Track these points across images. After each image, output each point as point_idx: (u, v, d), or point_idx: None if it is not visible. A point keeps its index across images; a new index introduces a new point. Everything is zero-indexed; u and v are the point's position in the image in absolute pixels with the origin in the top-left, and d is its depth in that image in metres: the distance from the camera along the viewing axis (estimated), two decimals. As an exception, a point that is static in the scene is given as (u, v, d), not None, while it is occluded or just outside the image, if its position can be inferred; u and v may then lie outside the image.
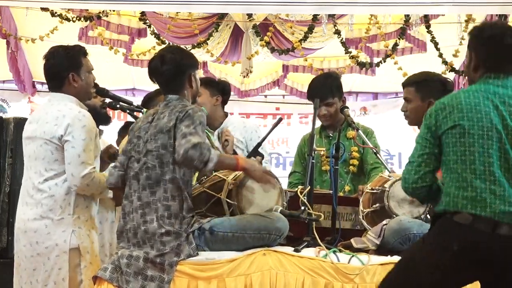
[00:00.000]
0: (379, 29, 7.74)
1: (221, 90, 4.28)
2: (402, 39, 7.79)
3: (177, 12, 7.69)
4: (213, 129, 4.18)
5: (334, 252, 3.15)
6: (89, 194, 3.35)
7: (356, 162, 4.18)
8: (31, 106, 9.04)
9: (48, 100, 3.47)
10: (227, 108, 4.43)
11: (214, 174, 3.31)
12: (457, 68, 7.64)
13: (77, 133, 3.24)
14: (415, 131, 5.19)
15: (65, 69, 3.38)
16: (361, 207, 3.52)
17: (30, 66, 8.63)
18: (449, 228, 2.52)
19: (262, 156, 3.75)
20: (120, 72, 8.70)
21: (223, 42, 8.07)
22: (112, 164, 3.32)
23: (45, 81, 3.50)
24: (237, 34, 8.01)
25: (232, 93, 8.44)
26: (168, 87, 3.19)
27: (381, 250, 3.28)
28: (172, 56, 3.16)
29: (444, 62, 7.58)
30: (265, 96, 9.67)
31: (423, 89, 3.58)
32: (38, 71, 8.02)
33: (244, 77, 8.11)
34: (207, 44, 7.88)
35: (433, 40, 7.53)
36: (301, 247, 3.15)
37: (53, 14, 7.53)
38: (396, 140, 9.00)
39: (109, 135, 4.45)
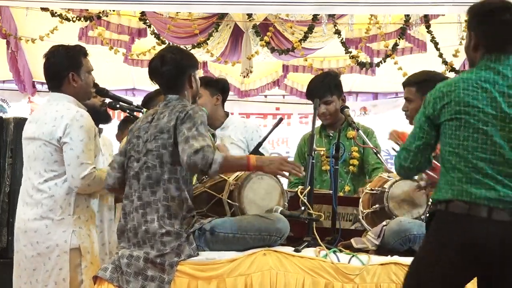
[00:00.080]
0: (379, 29, 7.74)
1: (220, 88, 4.28)
2: (402, 39, 7.79)
3: (177, 12, 7.69)
4: (214, 128, 4.18)
5: (334, 252, 3.15)
6: (91, 192, 3.35)
7: (356, 162, 4.18)
8: (31, 106, 9.04)
9: (47, 100, 3.47)
10: (227, 108, 4.43)
11: None
12: (457, 68, 7.63)
13: (75, 134, 3.24)
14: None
15: (65, 68, 3.38)
16: (360, 208, 3.51)
17: (30, 66, 8.63)
18: (446, 221, 2.52)
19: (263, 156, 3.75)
20: (120, 72, 8.70)
21: (223, 42, 8.07)
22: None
23: (45, 81, 3.50)
24: (237, 34, 8.01)
25: (232, 93, 8.50)
26: (168, 87, 3.19)
27: (381, 250, 3.28)
28: (172, 56, 3.16)
29: (444, 62, 7.58)
30: (265, 96, 9.67)
31: (424, 89, 3.57)
32: (38, 71, 8.02)
33: (244, 77, 8.11)
34: (207, 44, 7.88)
35: (433, 40, 7.53)
36: (301, 247, 3.15)
37: (53, 14, 7.53)
38: (396, 140, 8.99)
39: (109, 134, 4.44)
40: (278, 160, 3.03)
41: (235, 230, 3.05)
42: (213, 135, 3.46)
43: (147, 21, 7.79)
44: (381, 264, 3.12)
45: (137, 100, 4.22)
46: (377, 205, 3.45)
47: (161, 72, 3.16)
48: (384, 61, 7.94)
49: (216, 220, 3.07)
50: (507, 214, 2.44)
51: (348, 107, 4.04)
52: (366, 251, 3.28)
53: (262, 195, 3.21)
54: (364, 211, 3.50)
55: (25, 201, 3.34)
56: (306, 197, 3.25)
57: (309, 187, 3.31)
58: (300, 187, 3.43)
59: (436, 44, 7.53)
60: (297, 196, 3.28)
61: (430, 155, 2.71)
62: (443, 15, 7.28)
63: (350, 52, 7.93)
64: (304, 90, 4.84)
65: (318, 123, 4.15)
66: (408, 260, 3.09)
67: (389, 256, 3.19)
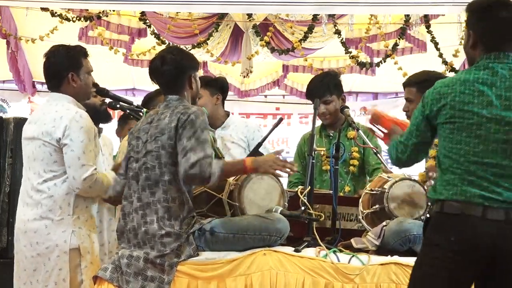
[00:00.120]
0: (379, 29, 7.74)
1: (220, 88, 4.28)
2: (402, 39, 7.79)
3: (177, 12, 7.69)
4: (215, 128, 4.18)
5: (334, 252, 3.15)
6: (93, 196, 3.35)
7: (356, 162, 4.18)
8: (31, 106, 9.04)
9: (47, 100, 3.46)
10: (227, 108, 4.43)
11: None
12: (457, 68, 7.63)
13: (75, 135, 3.23)
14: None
15: (65, 68, 3.37)
16: (360, 208, 3.51)
17: (30, 66, 8.63)
18: (441, 222, 2.53)
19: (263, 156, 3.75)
20: (120, 72, 8.70)
21: (223, 42, 8.07)
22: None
23: (45, 81, 3.50)
24: (237, 34, 8.01)
25: (232, 93, 8.51)
26: (168, 88, 3.20)
27: (381, 250, 3.28)
28: (172, 57, 3.17)
29: (444, 62, 7.58)
30: (265, 96, 9.67)
31: (425, 89, 3.56)
32: (38, 71, 8.01)
33: (244, 77, 8.11)
34: (207, 44, 7.88)
35: (433, 40, 7.53)
36: (301, 247, 3.15)
37: (53, 14, 7.53)
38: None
39: (109, 134, 4.44)
40: (270, 160, 3.07)
41: (235, 230, 3.05)
42: (214, 140, 3.47)
43: (147, 21, 7.79)
44: (381, 264, 3.12)
45: (137, 100, 4.22)
46: (377, 206, 3.45)
47: (162, 72, 3.16)
48: (384, 61, 7.94)
49: (215, 220, 3.07)
50: (503, 213, 2.45)
51: (348, 107, 4.05)
52: (366, 251, 3.28)
53: (262, 195, 3.21)
54: (364, 211, 3.50)
55: (25, 201, 3.34)
56: (306, 197, 3.25)
57: (309, 187, 3.31)
58: (300, 187, 3.44)
59: (436, 44, 7.53)
60: (297, 196, 3.28)
61: (427, 149, 2.77)
62: (443, 15, 7.27)
63: (350, 52, 7.93)
64: (304, 90, 4.85)
65: (318, 122, 4.15)
66: (408, 260, 3.09)
67: (389, 256, 3.19)
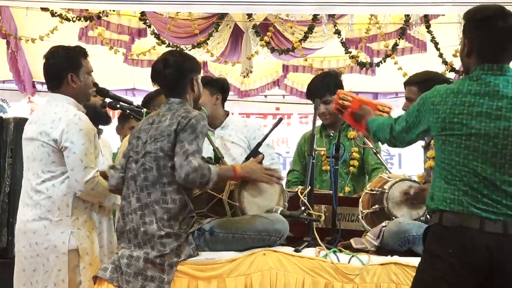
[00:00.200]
0: (379, 29, 7.75)
1: (220, 88, 4.27)
2: (402, 39, 7.80)
3: (177, 12, 7.69)
4: (214, 128, 4.17)
5: (334, 252, 3.15)
6: (95, 201, 3.35)
7: (356, 162, 4.18)
8: (31, 106, 9.04)
9: (47, 101, 3.46)
10: (227, 108, 4.42)
11: None
12: (457, 68, 7.63)
13: (75, 138, 3.23)
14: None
15: (64, 69, 3.37)
16: (360, 208, 3.52)
17: (30, 66, 8.63)
18: (441, 236, 2.52)
19: (263, 155, 3.75)
20: (120, 72, 8.71)
21: (223, 42, 8.07)
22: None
23: (45, 81, 3.50)
24: (237, 34, 8.01)
25: (232, 93, 8.49)
26: (170, 90, 3.20)
27: (380, 251, 3.28)
28: (175, 60, 3.18)
29: (444, 62, 7.58)
30: (265, 96, 9.68)
31: (426, 89, 3.55)
32: (38, 71, 8.01)
33: (244, 77, 8.11)
34: (207, 44, 7.88)
35: (433, 40, 7.53)
36: (301, 247, 3.15)
37: (53, 14, 7.54)
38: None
39: (109, 134, 4.44)
40: (259, 170, 3.14)
41: (234, 231, 3.05)
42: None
43: (147, 21, 7.79)
44: (381, 264, 3.12)
45: (137, 100, 4.22)
46: (376, 206, 3.45)
47: (164, 75, 3.18)
48: (384, 61, 7.95)
49: (215, 220, 3.08)
50: (500, 226, 2.45)
51: (348, 107, 4.04)
52: (366, 251, 3.28)
53: (262, 195, 3.21)
54: (364, 211, 3.50)
55: (25, 202, 3.34)
56: (306, 197, 3.25)
57: (309, 187, 3.31)
58: (300, 187, 3.43)
59: (436, 44, 7.54)
60: (297, 196, 3.28)
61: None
62: (443, 15, 7.28)
63: (350, 52, 7.94)
64: (304, 90, 4.85)
65: (319, 122, 4.15)
66: (408, 260, 3.10)
67: (389, 256, 3.19)
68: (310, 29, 7.70)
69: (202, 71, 8.19)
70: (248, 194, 3.18)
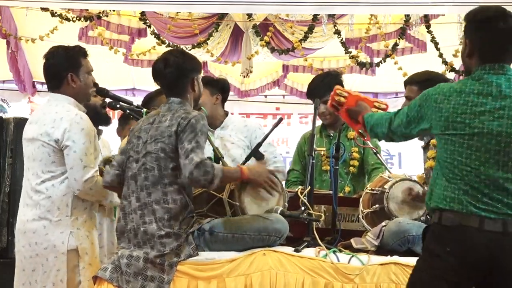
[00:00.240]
0: (379, 29, 7.75)
1: (220, 88, 4.27)
2: (402, 39, 7.80)
3: (177, 12, 7.70)
4: (213, 128, 4.17)
5: (334, 252, 3.15)
6: (93, 200, 3.34)
7: (356, 163, 4.18)
8: (31, 106, 9.04)
9: (47, 100, 3.47)
10: (227, 108, 4.42)
11: None
12: (457, 68, 7.64)
13: (76, 137, 3.23)
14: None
15: (64, 69, 3.37)
16: (361, 207, 3.52)
17: (30, 66, 8.63)
18: (440, 235, 2.52)
19: (263, 156, 3.75)
20: (120, 72, 8.71)
21: (223, 42, 8.07)
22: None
23: (45, 81, 3.50)
24: (237, 34, 8.01)
25: (232, 93, 8.48)
26: (170, 90, 3.21)
27: (380, 251, 3.28)
28: (175, 59, 3.18)
29: (444, 62, 7.58)
30: (265, 96, 9.68)
31: (426, 89, 3.57)
32: (38, 71, 8.02)
33: (244, 77, 8.11)
34: (207, 44, 7.88)
35: (433, 40, 7.54)
36: (301, 247, 3.15)
37: (53, 14, 7.54)
38: (396, 140, 8.99)
39: (109, 135, 4.45)
40: (263, 174, 3.15)
41: (234, 230, 3.05)
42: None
43: (147, 21, 7.80)
44: (381, 264, 3.12)
45: (137, 100, 4.22)
46: (377, 205, 3.45)
47: (164, 74, 3.18)
48: (384, 61, 7.95)
49: (215, 220, 3.08)
50: (500, 224, 2.45)
51: (348, 107, 4.04)
52: (366, 251, 3.28)
53: (263, 195, 3.21)
54: (364, 210, 3.50)
55: (25, 202, 3.34)
56: (306, 197, 3.25)
57: (309, 187, 3.31)
58: (300, 187, 3.43)
59: (436, 44, 7.54)
60: (297, 196, 3.28)
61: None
62: (443, 15, 7.28)
63: (350, 52, 7.94)
64: (304, 90, 4.85)
65: (319, 122, 4.15)
66: (408, 260, 3.09)
67: (389, 256, 3.19)
68: (310, 29, 7.71)
69: (202, 71, 8.24)
70: (248, 194, 3.17)
